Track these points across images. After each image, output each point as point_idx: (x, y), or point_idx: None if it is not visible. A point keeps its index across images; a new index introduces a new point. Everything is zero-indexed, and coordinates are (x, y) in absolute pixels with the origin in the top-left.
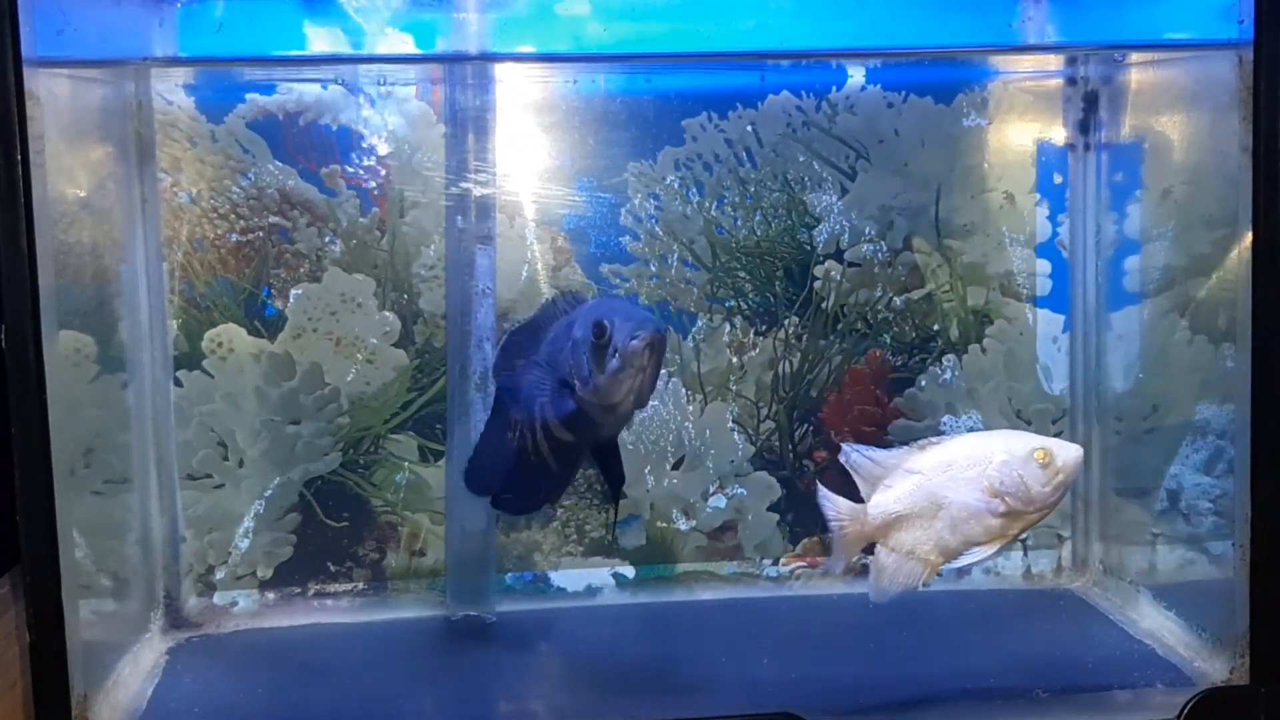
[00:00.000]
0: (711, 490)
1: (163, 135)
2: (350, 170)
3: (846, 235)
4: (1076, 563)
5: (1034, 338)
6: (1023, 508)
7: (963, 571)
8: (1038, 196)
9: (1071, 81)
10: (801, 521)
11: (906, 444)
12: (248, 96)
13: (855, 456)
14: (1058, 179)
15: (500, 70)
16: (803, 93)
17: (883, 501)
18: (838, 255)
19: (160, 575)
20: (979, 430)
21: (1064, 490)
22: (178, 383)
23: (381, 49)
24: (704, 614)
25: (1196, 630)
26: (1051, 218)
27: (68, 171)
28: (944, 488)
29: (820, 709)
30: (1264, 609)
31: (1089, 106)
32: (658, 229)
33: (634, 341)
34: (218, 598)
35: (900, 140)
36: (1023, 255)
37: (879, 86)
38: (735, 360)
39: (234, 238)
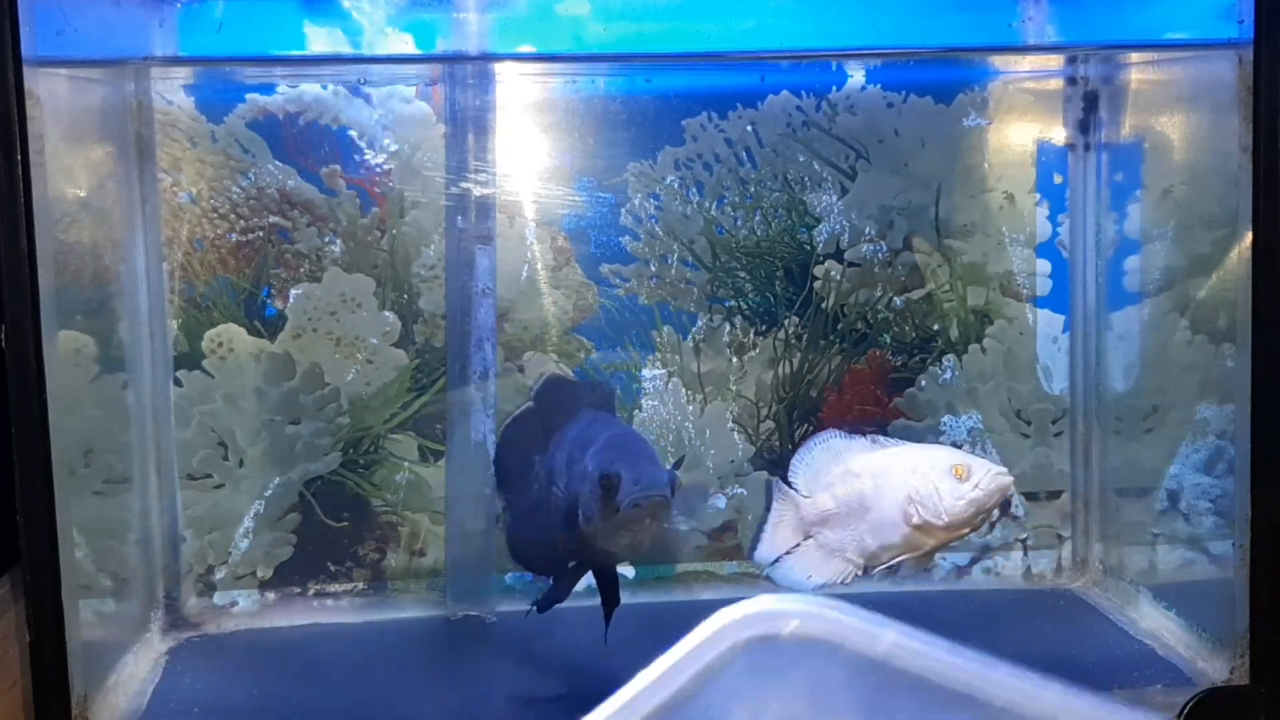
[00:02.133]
0: (711, 490)
1: (163, 135)
2: (350, 170)
3: (846, 235)
4: (1076, 563)
5: (1034, 338)
6: (934, 520)
7: (963, 571)
8: (1038, 196)
9: (1071, 81)
10: None
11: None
12: (248, 96)
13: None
14: (1058, 179)
15: (500, 70)
16: (803, 93)
17: (820, 498)
18: (838, 255)
19: (160, 575)
20: (978, 430)
21: (976, 509)
22: (178, 383)
23: (382, 49)
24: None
25: (1196, 630)
26: (1051, 218)
27: (68, 171)
28: (875, 492)
29: None
30: (1264, 609)
31: (1089, 106)
32: (658, 229)
33: (636, 508)
34: (218, 598)
35: (900, 140)
36: (1023, 255)
37: (879, 86)
38: (735, 360)
39: (234, 238)
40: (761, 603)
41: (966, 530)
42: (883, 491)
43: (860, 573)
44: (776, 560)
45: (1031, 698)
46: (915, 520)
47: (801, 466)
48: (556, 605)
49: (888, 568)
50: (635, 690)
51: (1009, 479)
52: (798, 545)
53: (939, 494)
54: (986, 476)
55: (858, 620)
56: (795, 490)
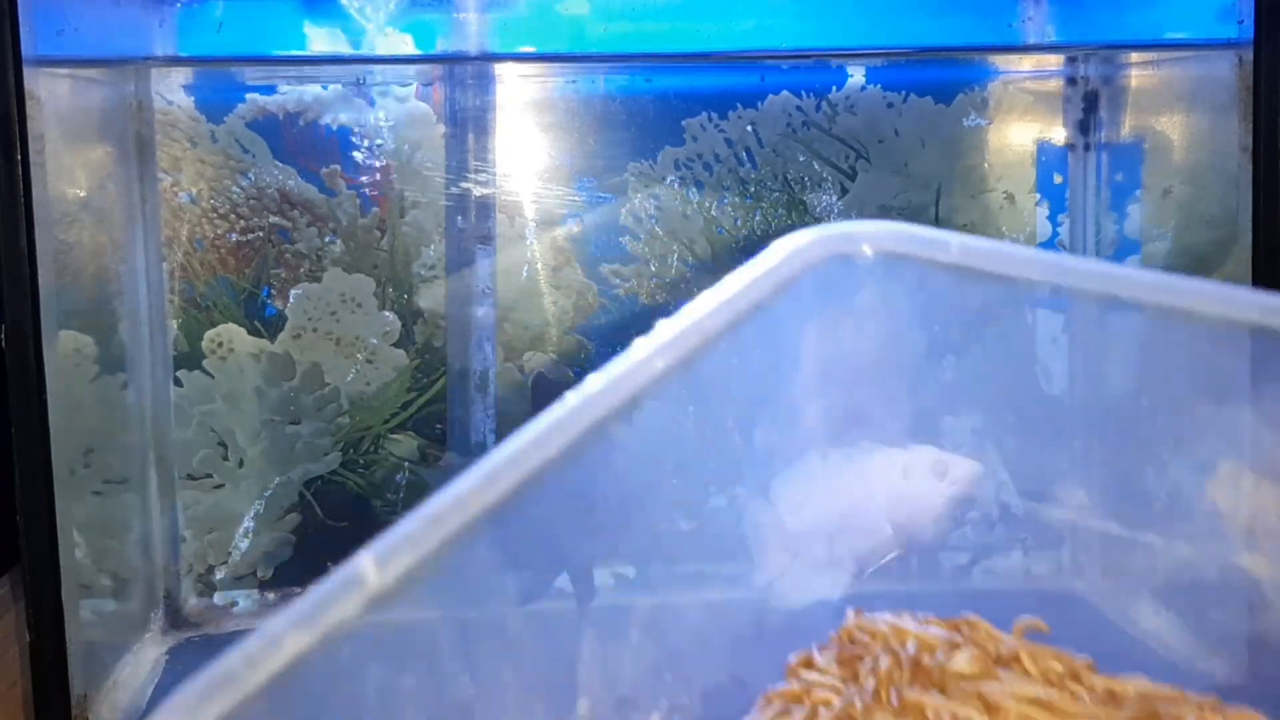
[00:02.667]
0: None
1: (163, 135)
2: (350, 170)
3: None
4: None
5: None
6: (921, 517)
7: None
8: (1038, 196)
9: (1071, 81)
10: None
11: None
12: (248, 96)
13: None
14: (1058, 179)
15: (500, 70)
16: (802, 93)
17: (805, 514)
18: None
19: (160, 575)
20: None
21: (957, 503)
22: (178, 383)
23: (382, 49)
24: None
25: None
26: (1051, 218)
27: (68, 171)
28: (862, 498)
29: None
30: None
31: (1089, 106)
32: (658, 229)
33: None
34: (218, 598)
35: (900, 140)
36: None
37: (879, 86)
38: None
39: (234, 238)
40: (833, 227)
41: (950, 525)
42: (869, 497)
43: (854, 579)
44: (768, 583)
45: (1116, 281)
46: (902, 519)
47: (786, 486)
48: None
49: (881, 568)
50: (705, 307)
51: (979, 467)
52: (788, 564)
53: (922, 492)
54: (963, 469)
55: (927, 233)
56: (778, 509)
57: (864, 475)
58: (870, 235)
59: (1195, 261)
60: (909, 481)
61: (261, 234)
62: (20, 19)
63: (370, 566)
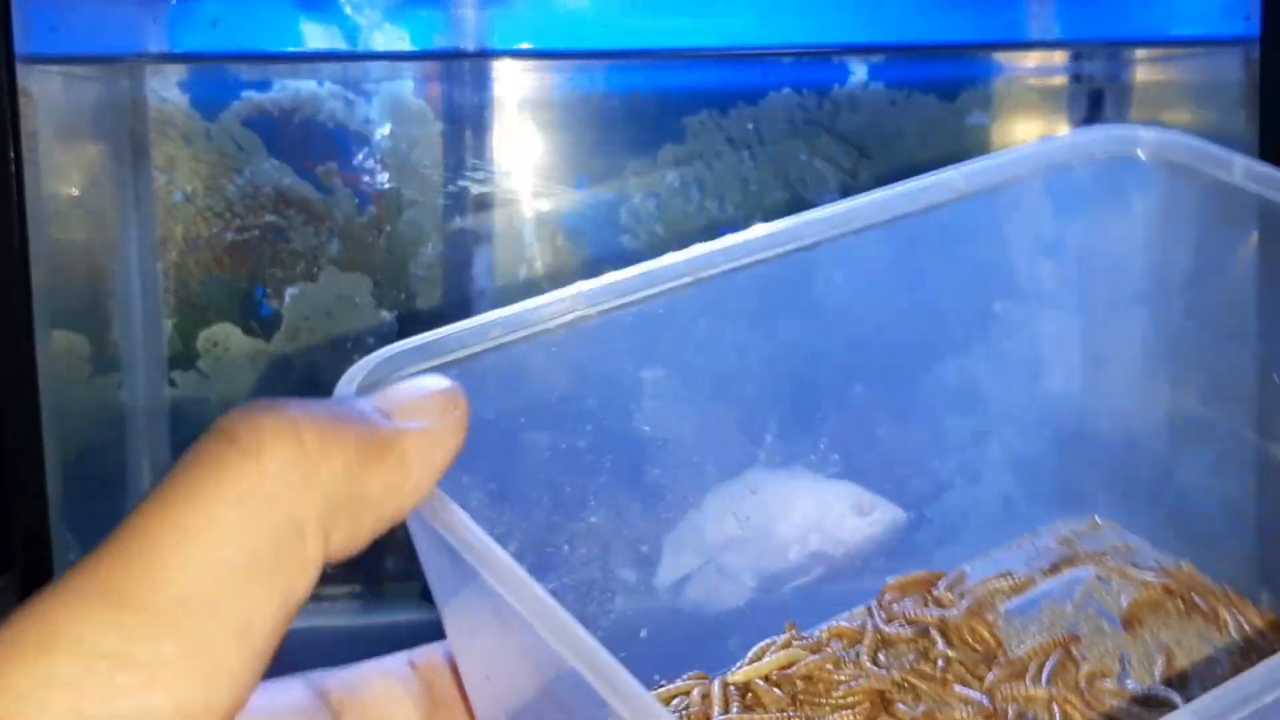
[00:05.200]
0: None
1: (157, 133)
2: (346, 168)
3: None
4: None
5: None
6: (831, 549)
7: None
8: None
9: (1076, 79)
10: None
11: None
12: (243, 93)
13: None
14: None
15: (498, 67)
16: (804, 90)
17: (727, 522)
18: None
19: None
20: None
21: (873, 544)
22: (172, 383)
23: (379, 46)
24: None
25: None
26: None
27: (61, 169)
28: (779, 517)
29: None
30: None
31: (1094, 104)
32: (658, 228)
33: None
34: None
35: (903, 138)
36: None
37: (881, 83)
38: None
39: (229, 236)
40: (1114, 129)
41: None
42: (787, 517)
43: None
44: (677, 583)
45: None
46: (813, 548)
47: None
48: None
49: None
50: (988, 162)
51: (904, 515)
52: (699, 568)
53: (840, 525)
54: (886, 514)
55: (1212, 148)
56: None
57: (794, 495)
58: (1155, 143)
59: None
60: (836, 513)
61: (257, 232)
62: (13, 15)
63: None
